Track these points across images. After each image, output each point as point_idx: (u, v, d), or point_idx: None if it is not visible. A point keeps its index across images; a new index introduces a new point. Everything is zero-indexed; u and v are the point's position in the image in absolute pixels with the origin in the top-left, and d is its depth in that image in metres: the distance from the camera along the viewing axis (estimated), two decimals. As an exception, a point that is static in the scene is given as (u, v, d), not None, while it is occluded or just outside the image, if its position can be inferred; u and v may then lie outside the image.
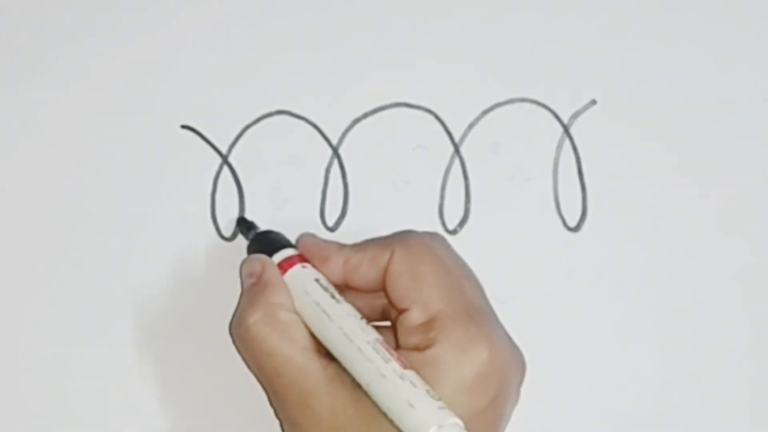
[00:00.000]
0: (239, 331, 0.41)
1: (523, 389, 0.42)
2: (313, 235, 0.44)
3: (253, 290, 0.42)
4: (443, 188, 0.49)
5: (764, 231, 0.48)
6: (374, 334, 0.39)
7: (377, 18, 0.50)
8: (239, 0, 0.50)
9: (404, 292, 0.40)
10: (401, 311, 0.40)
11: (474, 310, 0.40)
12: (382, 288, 0.41)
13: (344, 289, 0.42)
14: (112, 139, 0.49)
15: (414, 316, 0.40)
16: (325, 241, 0.44)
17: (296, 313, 0.41)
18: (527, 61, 0.49)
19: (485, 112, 0.49)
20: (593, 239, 0.48)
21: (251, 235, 0.46)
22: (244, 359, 0.42)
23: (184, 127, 0.49)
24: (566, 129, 0.49)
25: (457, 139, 0.49)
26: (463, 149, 0.49)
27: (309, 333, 0.41)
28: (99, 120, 0.49)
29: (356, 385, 0.39)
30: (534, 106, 0.49)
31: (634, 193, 0.49)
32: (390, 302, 0.41)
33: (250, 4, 0.50)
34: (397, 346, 0.40)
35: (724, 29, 0.49)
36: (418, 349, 0.39)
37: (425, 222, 0.48)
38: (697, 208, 0.48)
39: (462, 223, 0.49)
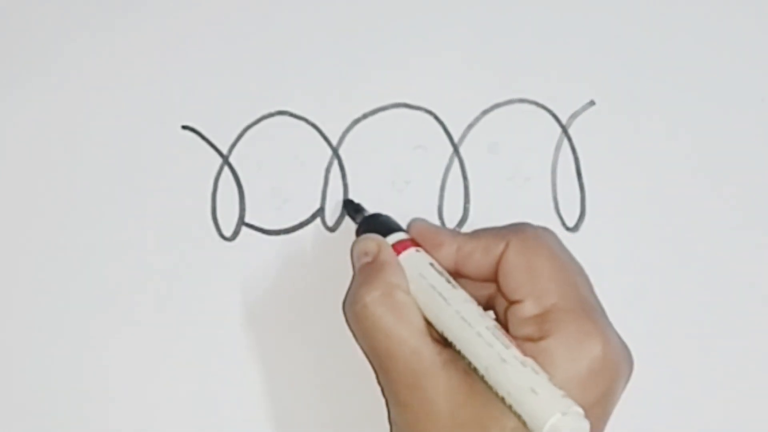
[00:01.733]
0: (355, 309, 0.41)
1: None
2: (425, 221, 0.44)
3: (369, 269, 0.41)
4: (443, 188, 0.49)
5: (764, 230, 0.48)
6: (492, 320, 0.39)
7: (377, 18, 0.50)
8: (239, 0, 0.50)
9: (518, 283, 0.40)
10: (513, 302, 0.40)
11: (588, 306, 0.40)
12: (492, 278, 0.41)
13: (454, 276, 0.42)
14: (113, 139, 0.49)
15: (528, 308, 0.40)
16: (437, 226, 0.44)
17: (411, 295, 0.41)
18: (526, 61, 0.49)
19: (484, 112, 0.49)
20: (592, 239, 0.48)
21: (359, 217, 0.46)
22: (356, 337, 0.42)
23: (184, 127, 0.49)
24: (565, 129, 0.49)
25: (456, 139, 0.49)
26: (462, 149, 0.49)
27: (422, 316, 0.41)
28: (100, 120, 0.49)
29: (469, 371, 0.39)
30: (533, 107, 0.49)
31: (632, 194, 0.49)
32: (501, 292, 0.41)
33: (250, 5, 0.50)
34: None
35: (722, 30, 0.50)
36: (531, 339, 0.39)
37: (425, 222, 0.48)
38: (696, 208, 0.48)
39: (461, 223, 0.49)
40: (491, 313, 0.42)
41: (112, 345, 0.48)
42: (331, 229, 0.49)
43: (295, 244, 0.48)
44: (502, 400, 0.38)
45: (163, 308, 0.48)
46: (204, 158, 0.49)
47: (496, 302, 0.43)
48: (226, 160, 0.49)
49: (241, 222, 0.48)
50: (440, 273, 0.41)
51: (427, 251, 0.42)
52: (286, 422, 0.47)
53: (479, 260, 0.41)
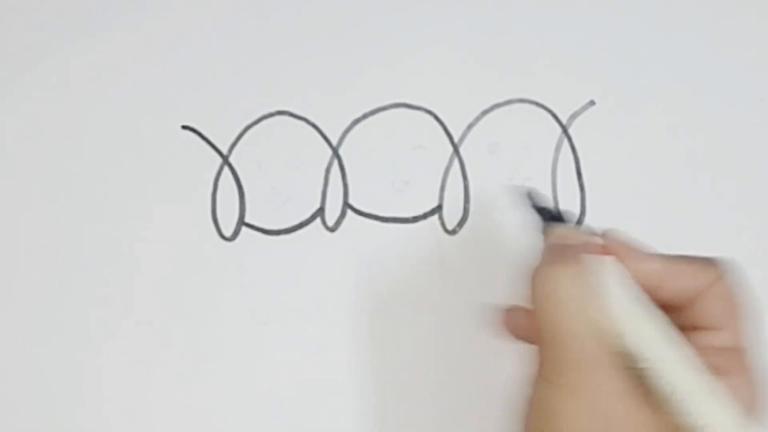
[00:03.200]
0: (549, 274, 0.39)
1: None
2: (620, 232, 0.42)
3: (569, 250, 0.40)
4: (443, 188, 0.49)
5: (764, 230, 0.48)
6: (692, 349, 0.39)
7: (377, 18, 0.50)
8: (240, 0, 0.50)
9: (723, 314, 0.40)
10: (705, 328, 0.40)
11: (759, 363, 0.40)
12: (684, 304, 0.41)
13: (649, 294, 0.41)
14: (113, 139, 0.49)
15: (723, 338, 0.39)
16: (637, 243, 0.42)
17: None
18: (526, 61, 0.49)
19: (484, 112, 0.49)
20: (592, 239, 0.49)
21: (546, 211, 0.43)
22: (537, 302, 0.39)
23: (185, 127, 0.49)
24: (565, 129, 0.49)
25: (456, 139, 0.49)
26: (462, 149, 0.49)
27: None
28: (100, 120, 0.49)
29: (643, 382, 0.38)
30: (533, 107, 0.49)
31: (632, 193, 0.49)
32: (693, 316, 0.41)
33: (250, 5, 0.50)
34: None
35: (722, 29, 0.50)
36: (717, 370, 0.39)
37: (425, 222, 0.48)
38: (696, 208, 0.48)
39: (461, 223, 0.49)
40: None
41: (111, 345, 0.48)
42: (331, 229, 0.49)
43: (295, 244, 0.48)
44: (698, 429, 0.37)
45: (163, 308, 0.48)
46: (204, 158, 0.49)
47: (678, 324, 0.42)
48: (226, 160, 0.49)
49: (241, 222, 0.48)
50: (639, 288, 0.40)
51: (625, 261, 0.41)
52: (286, 422, 0.47)
53: (686, 282, 0.40)
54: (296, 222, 0.49)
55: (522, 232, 0.49)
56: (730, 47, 0.50)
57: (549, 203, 0.45)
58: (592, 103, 0.49)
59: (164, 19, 0.50)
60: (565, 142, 0.49)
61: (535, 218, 0.43)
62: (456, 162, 0.49)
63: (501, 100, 0.49)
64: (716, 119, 0.49)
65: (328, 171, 0.49)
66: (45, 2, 0.50)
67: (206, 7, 0.50)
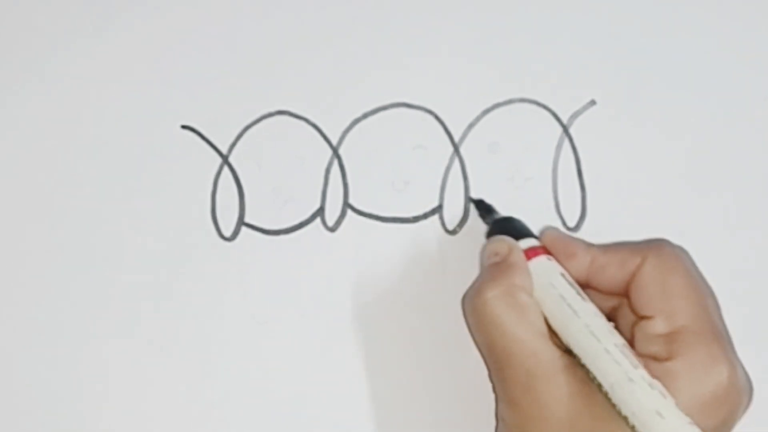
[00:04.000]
0: (475, 303, 0.40)
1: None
2: (557, 229, 0.44)
3: (496, 268, 0.41)
4: (443, 188, 0.49)
5: (765, 231, 0.48)
6: (620, 338, 0.39)
7: (377, 18, 0.50)
8: (239, 0, 0.50)
9: (651, 300, 0.40)
10: (643, 317, 0.40)
11: (717, 332, 0.39)
12: (622, 292, 0.41)
13: (583, 287, 0.42)
14: (113, 139, 0.49)
15: (657, 325, 0.40)
16: (571, 236, 0.44)
17: (535, 299, 0.41)
18: (527, 61, 0.49)
19: (485, 112, 0.49)
20: (592, 239, 0.48)
21: (490, 219, 0.46)
22: (473, 332, 0.41)
23: (184, 127, 0.49)
24: (566, 129, 0.49)
25: (456, 139, 0.49)
26: (462, 149, 0.49)
27: (545, 320, 0.40)
28: (99, 120, 0.49)
29: (588, 381, 0.39)
30: (533, 106, 0.49)
31: (633, 193, 0.49)
32: (631, 307, 0.41)
33: (250, 5, 0.50)
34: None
35: (723, 29, 0.50)
36: (656, 358, 0.39)
37: (425, 222, 0.48)
38: (696, 208, 0.48)
39: (462, 223, 0.49)
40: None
41: (111, 345, 0.48)
42: (331, 229, 0.49)
43: (295, 244, 0.48)
44: (626, 419, 0.37)
45: (162, 308, 0.48)
46: (204, 158, 0.49)
47: (619, 316, 0.42)
48: (226, 160, 0.49)
49: (241, 222, 0.48)
50: (570, 284, 0.41)
51: (558, 260, 0.42)
52: (286, 422, 0.47)
53: (613, 273, 0.41)
54: (296, 222, 0.49)
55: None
56: (732, 47, 0.49)
57: (493, 213, 0.46)
58: (593, 102, 0.49)
59: (164, 19, 0.50)
60: (566, 141, 0.49)
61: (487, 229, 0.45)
62: (456, 162, 0.49)
63: (501, 99, 0.49)
64: (718, 119, 0.49)
65: (328, 171, 0.49)
66: (45, 2, 0.50)
67: (206, 7, 0.50)
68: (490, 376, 0.42)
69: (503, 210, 0.48)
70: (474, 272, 0.45)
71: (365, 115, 0.49)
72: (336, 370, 0.48)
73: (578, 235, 0.48)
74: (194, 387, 0.48)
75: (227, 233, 0.49)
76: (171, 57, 0.49)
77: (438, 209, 0.49)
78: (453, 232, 0.49)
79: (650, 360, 0.39)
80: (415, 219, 0.49)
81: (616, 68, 0.49)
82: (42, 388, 0.48)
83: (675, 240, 0.48)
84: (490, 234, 0.45)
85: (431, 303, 0.48)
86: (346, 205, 0.49)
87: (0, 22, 0.50)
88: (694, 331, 0.39)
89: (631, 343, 0.40)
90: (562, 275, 0.41)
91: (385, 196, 0.49)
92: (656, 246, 0.42)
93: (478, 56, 0.49)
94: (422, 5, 0.50)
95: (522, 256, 0.42)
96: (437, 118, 0.49)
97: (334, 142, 0.49)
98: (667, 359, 0.38)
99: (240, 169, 0.49)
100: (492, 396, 0.42)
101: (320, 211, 0.49)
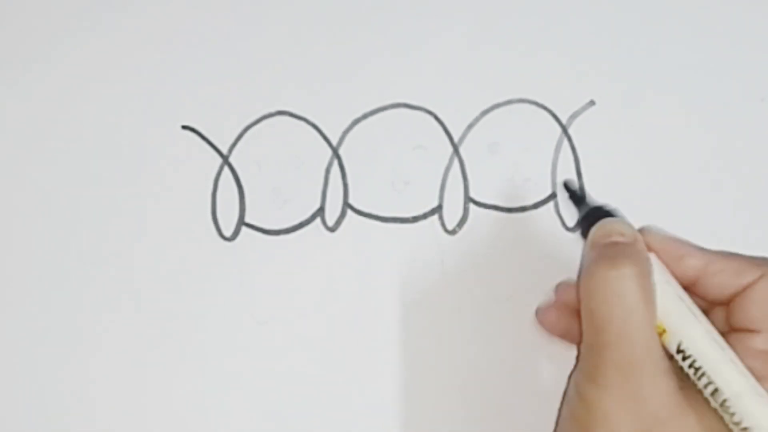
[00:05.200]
0: (610, 275, 0.38)
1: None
2: (662, 229, 0.41)
3: (628, 248, 0.39)
4: (443, 188, 0.49)
5: (764, 231, 0.48)
6: (732, 349, 0.38)
7: (377, 18, 0.50)
8: (239, 0, 0.50)
9: (760, 315, 0.39)
10: (745, 330, 0.39)
11: None
12: (725, 301, 0.40)
13: (687, 290, 0.40)
14: (113, 139, 0.49)
15: (762, 341, 0.39)
16: (679, 237, 0.41)
17: None
18: (526, 62, 0.49)
19: (484, 112, 0.49)
20: (592, 239, 0.48)
21: (586, 208, 0.42)
22: (591, 304, 0.38)
23: (184, 127, 0.49)
24: (565, 129, 0.49)
25: (456, 139, 0.49)
26: (462, 149, 0.49)
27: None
28: (100, 120, 0.49)
29: (688, 386, 0.38)
30: (533, 107, 0.49)
31: (631, 194, 0.49)
32: (730, 318, 0.40)
33: (250, 5, 0.50)
34: None
35: (722, 29, 0.50)
36: (754, 373, 0.38)
37: (425, 222, 0.48)
38: (697, 207, 0.48)
39: (461, 223, 0.49)
40: None
41: (111, 345, 0.48)
42: (331, 229, 0.49)
43: (295, 244, 0.48)
44: (743, 430, 0.37)
45: (163, 308, 0.48)
46: (204, 158, 0.49)
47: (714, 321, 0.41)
48: (226, 160, 0.49)
49: (241, 222, 0.49)
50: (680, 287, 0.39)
51: (664, 260, 0.40)
52: (286, 422, 0.47)
53: (726, 281, 0.40)
54: (296, 222, 0.49)
55: (521, 232, 0.49)
56: (730, 47, 0.50)
57: (588, 196, 0.44)
58: (592, 103, 0.49)
59: (164, 19, 0.50)
60: (565, 142, 0.49)
61: (575, 211, 0.43)
62: (456, 162, 0.49)
63: (501, 100, 0.49)
64: (717, 119, 0.49)
65: (328, 171, 0.49)
66: (45, 2, 0.50)
67: (206, 7, 0.50)
68: (581, 347, 0.39)
69: (503, 210, 0.48)
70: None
71: (365, 115, 0.49)
72: (336, 369, 0.48)
73: (578, 235, 0.48)
74: (194, 387, 0.48)
75: (227, 233, 0.49)
76: (171, 57, 0.49)
77: (438, 209, 0.49)
78: (453, 232, 0.49)
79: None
80: (415, 219, 0.49)
81: (616, 68, 0.49)
82: (42, 387, 0.48)
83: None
84: (584, 223, 0.42)
85: (431, 303, 0.48)
86: (346, 205, 0.49)
87: (2, 21, 0.50)
88: None
89: None
90: (671, 276, 0.40)
91: (385, 196, 0.49)
92: None
93: (478, 56, 0.49)
94: (422, 5, 0.50)
95: (644, 246, 0.40)
96: (437, 118, 0.49)
97: (334, 142, 0.49)
98: (765, 377, 0.38)
99: (240, 169, 0.49)
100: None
101: (320, 211, 0.49)
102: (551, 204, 0.49)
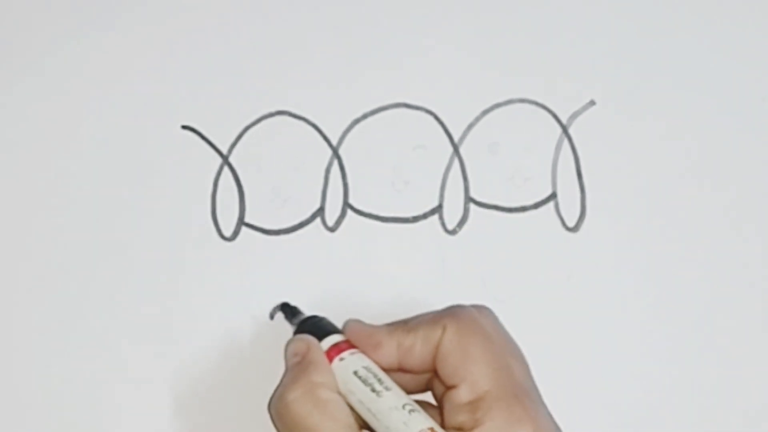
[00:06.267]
0: (278, 407, 0.40)
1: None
2: (359, 321, 0.43)
3: (295, 369, 0.41)
4: (443, 188, 0.49)
5: (764, 231, 0.48)
6: (421, 424, 0.39)
7: (377, 18, 0.50)
8: (239, 0, 0.50)
9: (454, 369, 0.40)
10: (449, 387, 0.40)
11: (520, 391, 0.39)
12: (432, 368, 0.41)
13: (397, 371, 0.41)
14: (113, 139, 0.49)
15: (462, 394, 0.39)
16: (373, 326, 0.43)
17: (339, 393, 0.40)
18: (526, 61, 0.49)
19: (485, 112, 0.49)
20: (592, 239, 0.48)
21: (297, 320, 0.45)
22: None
23: (184, 127, 0.49)
24: (565, 129, 0.49)
25: (456, 139, 0.49)
26: (462, 149, 0.49)
27: (351, 411, 0.40)
28: (100, 120, 0.49)
29: None
30: (533, 107, 0.49)
31: (632, 194, 0.49)
32: (438, 377, 0.41)
33: (250, 5, 0.50)
34: (443, 423, 0.40)
35: (722, 29, 0.50)
36: (462, 429, 0.39)
37: (425, 222, 0.48)
38: (697, 208, 0.48)
39: (462, 223, 0.49)
40: (422, 409, 0.41)
41: (110, 345, 0.48)
42: (331, 229, 0.49)
43: (295, 244, 0.48)
44: None
45: (163, 308, 0.48)
46: (204, 158, 0.49)
47: (436, 387, 0.42)
48: (226, 160, 0.49)
49: (241, 222, 0.48)
50: (364, 381, 0.40)
51: (364, 352, 0.41)
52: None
53: (421, 351, 0.41)
54: (296, 222, 0.49)
55: (521, 232, 0.49)
56: (731, 47, 0.50)
57: (299, 315, 0.46)
58: (592, 103, 0.49)
59: (164, 19, 0.50)
60: (566, 142, 0.49)
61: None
62: (456, 162, 0.49)
63: (501, 100, 0.49)
64: (717, 119, 0.49)
65: (328, 171, 0.49)
66: (45, 2, 0.50)
67: (206, 7, 0.50)
68: None
69: (503, 210, 0.48)
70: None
71: (365, 115, 0.49)
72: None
73: (578, 235, 0.48)
74: (194, 387, 0.48)
75: (227, 233, 0.48)
76: (171, 57, 0.49)
77: (438, 209, 0.49)
78: (453, 232, 0.49)
79: (458, 431, 0.39)
80: (415, 219, 0.49)
81: (616, 68, 0.49)
82: (41, 387, 0.48)
83: (675, 239, 0.48)
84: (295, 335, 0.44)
85: (431, 303, 0.48)
86: (346, 205, 0.49)
87: (1, 22, 0.50)
88: (496, 395, 0.39)
89: (442, 414, 0.40)
90: (357, 372, 0.41)
91: (385, 196, 0.49)
92: (454, 312, 0.41)
93: (478, 56, 0.49)
94: (422, 5, 0.50)
95: (320, 352, 0.41)
96: (437, 118, 0.49)
97: (334, 142, 0.49)
98: (472, 428, 0.38)
99: (240, 169, 0.49)
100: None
101: (320, 211, 0.49)
102: (551, 204, 0.49)
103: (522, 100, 0.49)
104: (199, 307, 0.48)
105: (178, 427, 0.47)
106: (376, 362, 0.41)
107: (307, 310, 0.48)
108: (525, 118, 0.49)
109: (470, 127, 0.49)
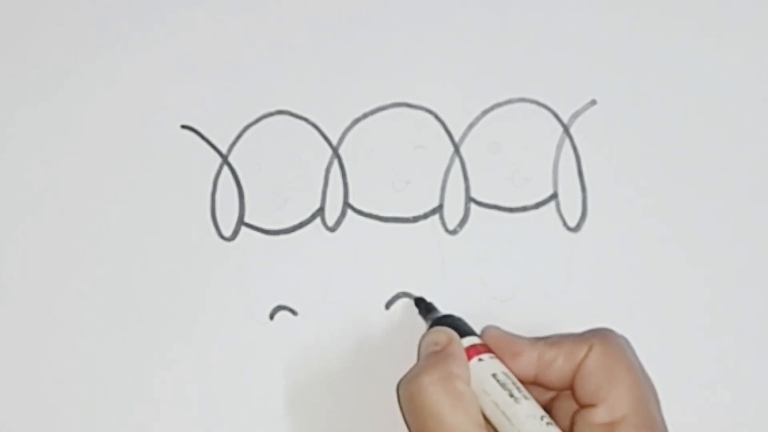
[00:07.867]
0: (411, 388, 0.40)
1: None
2: (499, 328, 0.43)
3: (434, 357, 0.41)
4: (443, 188, 0.49)
5: (764, 231, 0.48)
6: None
7: (377, 18, 0.50)
8: (239, 0, 0.50)
9: (596, 388, 0.40)
10: (585, 406, 0.40)
11: (654, 424, 0.40)
12: (569, 385, 0.41)
13: (531, 383, 0.42)
14: (113, 139, 0.49)
15: (599, 414, 0.40)
16: (514, 334, 0.43)
17: (472, 391, 0.41)
18: (527, 61, 0.49)
19: (485, 112, 0.49)
20: (593, 239, 0.48)
21: (432, 316, 0.45)
22: (407, 418, 0.41)
23: (184, 127, 0.49)
24: (566, 129, 0.49)
25: (457, 139, 0.49)
26: (463, 149, 0.49)
27: (481, 411, 0.40)
28: (99, 120, 0.49)
29: None
30: (534, 106, 0.49)
31: (633, 193, 0.49)
32: (575, 394, 0.41)
33: (250, 5, 0.50)
34: None
35: (723, 29, 0.49)
36: None
37: (425, 222, 0.48)
38: (697, 208, 0.48)
39: (462, 223, 0.49)
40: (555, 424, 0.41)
41: (110, 345, 0.48)
42: (331, 229, 0.49)
43: (295, 244, 0.48)
44: None
45: (162, 308, 0.48)
46: (203, 158, 0.49)
47: (556, 407, 0.42)
48: (225, 159, 0.49)
49: (241, 222, 0.48)
50: (503, 385, 0.40)
51: (500, 359, 0.42)
52: (286, 422, 0.47)
53: (562, 367, 0.41)
54: (296, 222, 0.49)
55: (522, 232, 0.49)
56: (731, 47, 0.49)
57: (434, 312, 0.46)
58: (593, 102, 0.49)
59: (164, 20, 0.50)
60: (567, 141, 0.49)
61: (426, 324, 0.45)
62: (456, 162, 0.49)
63: (501, 99, 0.49)
64: (718, 119, 0.49)
65: (328, 171, 0.49)
66: (45, 3, 0.50)
67: (206, 7, 0.50)
68: None
69: (504, 210, 0.48)
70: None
71: (365, 115, 0.49)
72: (336, 369, 0.47)
73: (579, 235, 0.48)
74: (194, 387, 0.48)
75: (227, 233, 0.48)
76: (171, 57, 0.49)
77: (438, 209, 0.49)
78: (453, 232, 0.49)
79: None
80: (415, 219, 0.49)
81: (616, 68, 0.49)
82: (41, 387, 0.48)
83: (676, 239, 0.48)
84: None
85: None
86: (346, 205, 0.49)
87: (1, 22, 0.50)
88: (633, 422, 0.39)
89: (572, 430, 0.40)
90: (496, 375, 0.41)
91: (385, 196, 0.49)
92: (602, 334, 0.42)
93: (478, 56, 0.49)
94: (422, 5, 0.50)
95: (461, 348, 0.42)
96: (437, 118, 0.49)
97: (334, 142, 0.49)
98: None
99: (240, 169, 0.49)
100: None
101: (320, 211, 0.49)
102: (552, 204, 0.49)
103: (523, 100, 0.49)
104: (199, 307, 0.48)
105: (178, 426, 0.47)
106: (513, 371, 0.41)
107: (308, 310, 0.48)
108: (526, 117, 0.49)
109: (471, 126, 0.49)
